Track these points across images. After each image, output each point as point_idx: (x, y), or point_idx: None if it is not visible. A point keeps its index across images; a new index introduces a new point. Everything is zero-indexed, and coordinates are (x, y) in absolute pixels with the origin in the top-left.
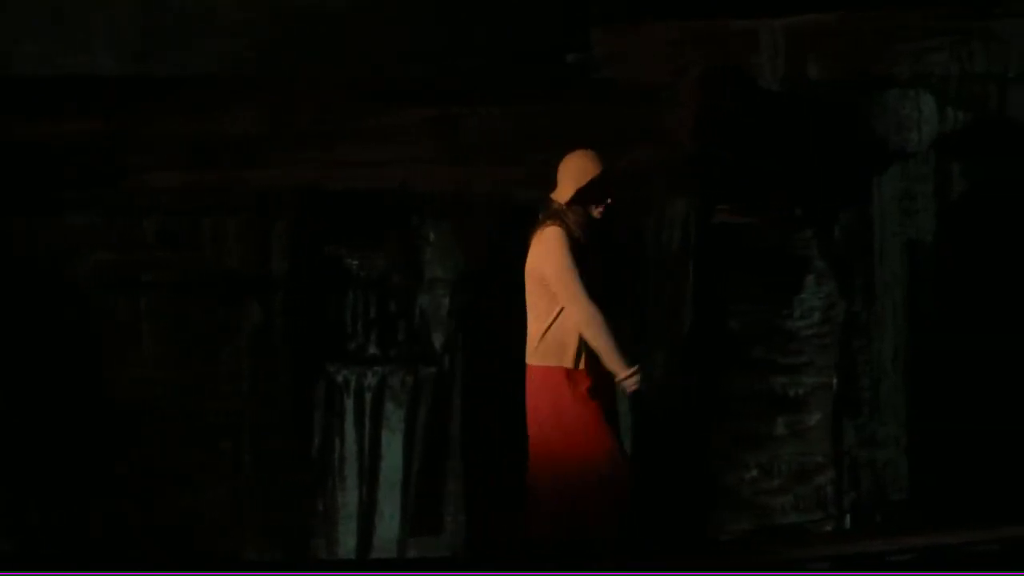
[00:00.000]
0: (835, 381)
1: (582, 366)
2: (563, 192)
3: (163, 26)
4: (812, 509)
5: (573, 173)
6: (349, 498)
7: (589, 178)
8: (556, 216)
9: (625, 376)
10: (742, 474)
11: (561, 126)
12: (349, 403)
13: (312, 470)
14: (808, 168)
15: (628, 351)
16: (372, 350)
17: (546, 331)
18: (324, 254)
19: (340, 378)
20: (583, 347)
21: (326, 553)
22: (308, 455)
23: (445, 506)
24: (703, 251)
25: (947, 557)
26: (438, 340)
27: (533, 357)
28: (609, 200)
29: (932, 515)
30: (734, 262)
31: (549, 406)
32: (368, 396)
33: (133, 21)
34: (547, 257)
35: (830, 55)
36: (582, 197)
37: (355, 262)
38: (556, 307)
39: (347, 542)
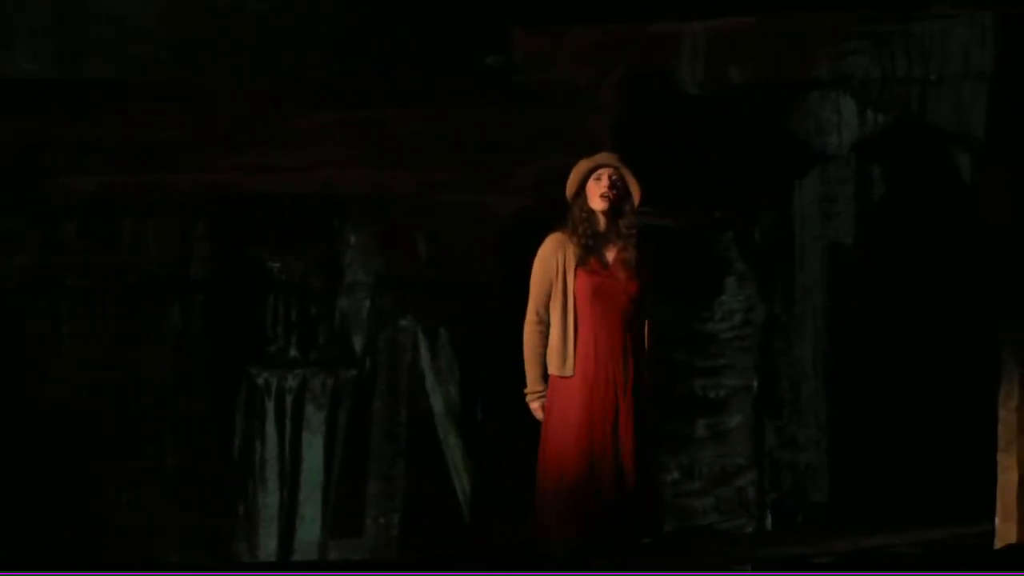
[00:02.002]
0: (755, 383)
1: (569, 372)
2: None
3: (84, 30)
4: (733, 511)
5: (582, 177)
6: (270, 500)
7: (578, 171)
8: (566, 222)
9: (526, 392)
10: (663, 476)
11: (481, 129)
12: (270, 405)
13: (233, 472)
14: (729, 171)
15: (544, 375)
16: (293, 353)
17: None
18: (245, 257)
19: (261, 381)
20: (567, 355)
21: (247, 556)
22: (229, 457)
23: (366, 508)
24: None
25: (868, 559)
26: (358, 343)
27: None
28: (604, 192)
29: (853, 516)
30: (655, 264)
31: (548, 412)
32: (289, 399)
33: (54, 25)
34: None
35: (750, 58)
36: (575, 191)
37: (276, 265)
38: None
39: (268, 544)
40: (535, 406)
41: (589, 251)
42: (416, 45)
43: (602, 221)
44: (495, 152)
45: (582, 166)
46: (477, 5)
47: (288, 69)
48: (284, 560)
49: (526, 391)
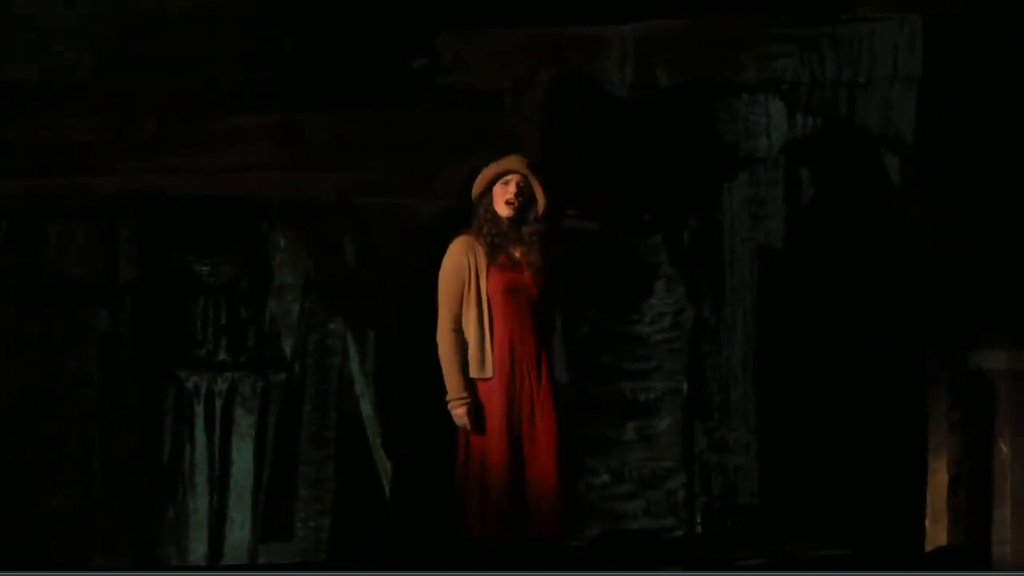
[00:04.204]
0: (685, 386)
1: (489, 374)
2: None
3: (5, 33)
4: (663, 514)
5: (495, 178)
6: (199, 504)
7: (485, 175)
8: (471, 220)
9: (448, 399)
10: (592, 480)
11: (407, 131)
12: (199, 409)
13: (162, 476)
14: (657, 174)
15: (467, 380)
16: (222, 356)
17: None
18: (173, 260)
19: (190, 384)
20: (486, 356)
21: (177, 559)
22: (158, 461)
23: (296, 512)
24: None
25: (799, 562)
26: (288, 346)
27: None
28: (510, 199)
29: (783, 519)
30: (584, 268)
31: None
32: (218, 402)
33: None
34: (442, 264)
35: (679, 61)
36: (482, 192)
37: (204, 268)
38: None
39: (197, 548)
40: (461, 412)
41: (497, 249)
42: (341, 47)
43: (506, 224)
44: (422, 154)
45: (490, 170)
46: (403, 7)
47: (212, 72)
48: (214, 564)
49: (448, 398)
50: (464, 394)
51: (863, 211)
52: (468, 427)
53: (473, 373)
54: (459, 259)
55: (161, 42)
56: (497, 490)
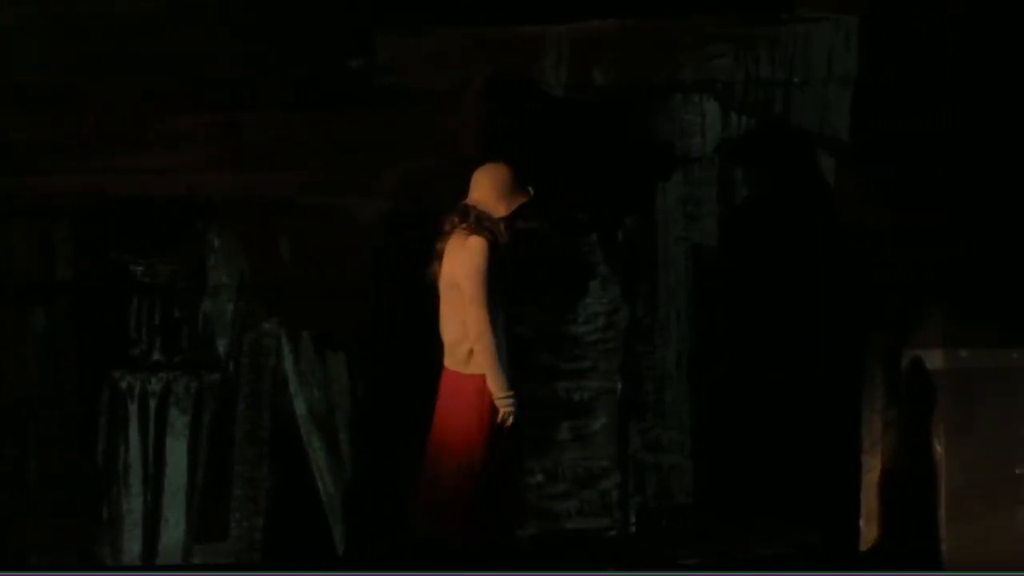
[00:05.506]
0: (619, 386)
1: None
2: (494, 203)
3: None
4: (597, 514)
5: (508, 186)
6: (134, 504)
7: (523, 194)
8: (484, 227)
9: (502, 396)
10: (527, 479)
11: (344, 132)
12: (133, 409)
13: (97, 476)
14: (592, 173)
15: (508, 373)
16: (156, 356)
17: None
18: (108, 260)
19: (124, 384)
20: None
21: (111, 559)
22: (92, 461)
23: (231, 512)
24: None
25: (734, 561)
26: (222, 346)
27: (455, 363)
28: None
29: (718, 518)
30: (519, 267)
31: (474, 410)
32: (152, 402)
33: None
34: (468, 265)
35: (615, 61)
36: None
37: (140, 268)
38: None
39: (132, 548)
40: (512, 408)
41: (503, 259)
42: (279, 48)
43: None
44: (359, 155)
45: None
46: (340, 8)
47: (151, 72)
48: (148, 564)
49: (502, 395)
50: (512, 390)
51: (798, 211)
52: (509, 422)
53: (474, 368)
54: (493, 258)
55: (101, 42)
56: (483, 486)
